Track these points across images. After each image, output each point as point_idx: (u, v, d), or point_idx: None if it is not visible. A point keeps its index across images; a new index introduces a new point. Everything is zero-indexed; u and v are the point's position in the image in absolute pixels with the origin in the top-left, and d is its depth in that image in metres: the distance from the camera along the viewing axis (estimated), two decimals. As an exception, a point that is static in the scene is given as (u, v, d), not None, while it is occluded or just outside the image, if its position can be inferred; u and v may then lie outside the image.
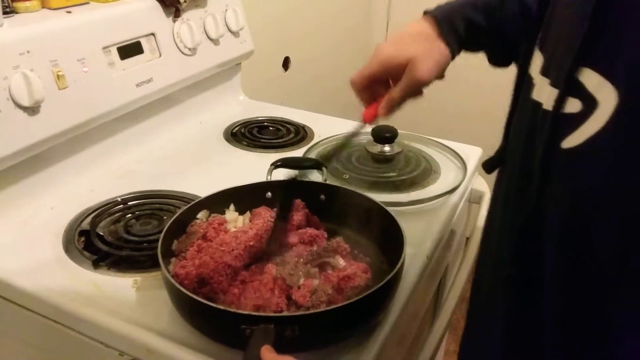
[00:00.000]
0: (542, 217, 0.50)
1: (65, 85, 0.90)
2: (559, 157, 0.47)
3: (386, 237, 0.79)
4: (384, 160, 1.07)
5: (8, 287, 0.77)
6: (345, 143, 0.78)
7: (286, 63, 1.81)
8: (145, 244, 0.84)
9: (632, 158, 0.42)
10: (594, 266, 0.46)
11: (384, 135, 1.06)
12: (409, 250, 0.74)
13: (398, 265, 0.69)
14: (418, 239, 0.88)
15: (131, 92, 1.03)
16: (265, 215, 0.83)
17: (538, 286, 0.51)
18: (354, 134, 0.78)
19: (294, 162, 1.00)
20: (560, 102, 0.47)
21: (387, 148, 1.08)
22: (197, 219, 0.82)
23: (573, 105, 0.46)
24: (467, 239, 1.04)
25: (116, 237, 0.86)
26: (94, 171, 1.02)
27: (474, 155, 1.12)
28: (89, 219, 0.89)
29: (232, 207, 0.86)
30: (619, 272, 0.44)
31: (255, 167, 0.97)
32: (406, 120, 1.08)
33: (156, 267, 0.77)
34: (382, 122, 1.08)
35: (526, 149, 0.53)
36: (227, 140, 1.21)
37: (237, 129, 1.25)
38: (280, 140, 1.21)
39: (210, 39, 1.21)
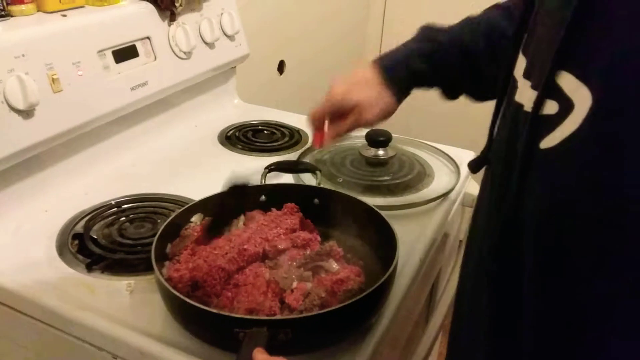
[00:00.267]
0: (522, 215, 0.51)
1: (60, 89, 0.91)
2: (537, 158, 0.48)
3: (379, 240, 0.80)
4: (377, 164, 1.08)
5: (1, 290, 0.77)
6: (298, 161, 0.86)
7: (281, 67, 1.82)
8: (139, 247, 0.84)
9: (603, 158, 0.43)
10: (570, 263, 0.47)
11: (378, 139, 1.07)
12: (402, 254, 0.75)
13: (391, 269, 0.70)
14: (411, 242, 0.89)
15: (126, 96, 1.04)
16: (260, 219, 0.83)
17: (518, 283, 0.52)
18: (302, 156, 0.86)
19: (288, 166, 1.01)
20: (538, 104, 0.48)
21: (381, 152, 1.08)
22: (191, 222, 0.83)
23: (551, 107, 0.47)
24: (461, 242, 1.05)
25: (110, 240, 0.86)
26: (88, 174, 1.02)
27: (467, 159, 1.12)
28: (82, 222, 0.89)
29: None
30: (593, 269, 0.46)
31: (249, 170, 0.97)
32: (400, 124, 1.09)
33: (150, 271, 0.76)
34: (376, 126, 1.09)
35: (508, 149, 0.55)
36: (222, 143, 1.21)
37: (232, 132, 1.26)
38: (274, 144, 1.21)
39: (206, 43, 1.22)
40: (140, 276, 0.79)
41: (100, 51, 0.99)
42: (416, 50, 0.76)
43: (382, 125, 1.12)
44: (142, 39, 1.08)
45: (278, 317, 0.67)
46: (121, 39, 1.03)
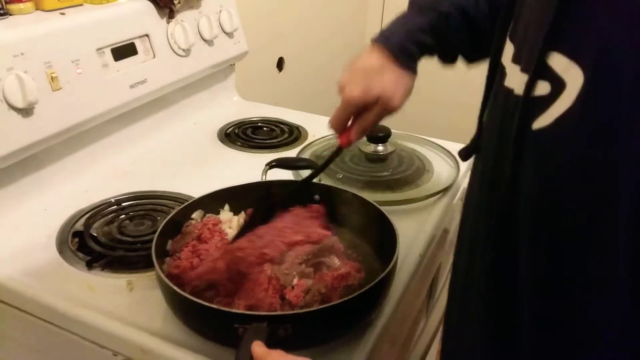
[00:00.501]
0: (516, 198, 0.51)
1: (59, 87, 0.91)
2: (530, 138, 0.49)
3: (379, 236, 0.80)
4: (377, 159, 1.08)
5: (1, 288, 0.78)
6: (325, 165, 0.83)
7: (280, 63, 1.82)
8: (139, 245, 0.85)
9: (597, 135, 0.43)
10: (566, 244, 0.48)
11: (378, 134, 1.07)
12: (401, 249, 0.75)
13: (390, 265, 0.70)
14: (411, 237, 0.89)
15: (125, 94, 1.04)
16: (284, 220, 0.82)
17: (514, 266, 0.53)
18: (332, 159, 0.81)
19: (289, 163, 1.01)
20: (530, 85, 0.49)
21: (380, 147, 1.08)
22: (192, 219, 0.83)
23: (542, 88, 0.48)
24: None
25: (110, 237, 0.86)
26: (88, 172, 1.02)
27: (467, 154, 1.13)
28: (82, 220, 0.90)
29: (226, 207, 0.87)
30: (588, 245, 0.46)
31: (249, 167, 0.97)
32: (399, 119, 1.09)
33: (150, 268, 0.77)
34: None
35: (500, 133, 0.55)
36: (221, 140, 1.21)
37: (231, 129, 1.26)
38: (274, 141, 1.21)
39: (205, 40, 1.22)
40: (141, 273, 0.79)
41: (99, 49, 0.99)
42: (420, 24, 0.73)
43: (382, 121, 1.13)
44: (140, 37, 1.08)
45: (278, 312, 0.68)
46: (120, 37, 1.03)
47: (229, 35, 1.29)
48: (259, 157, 1.12)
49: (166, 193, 0.98)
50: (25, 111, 0.86)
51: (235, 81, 1.41)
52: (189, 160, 1.12)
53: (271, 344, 0.58)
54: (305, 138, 1.22)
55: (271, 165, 0.94)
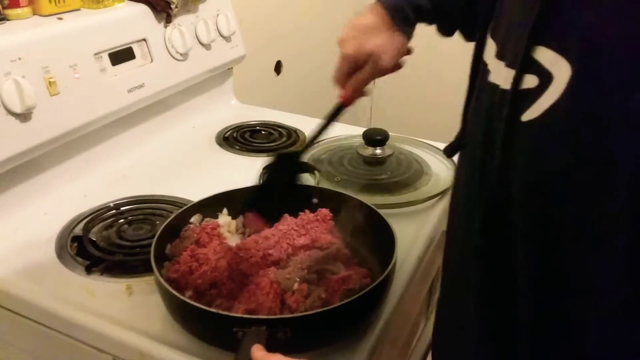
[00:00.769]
0: (507, 190, 0.52)
1: (57, 92, 0.91)
2: (519, 131, 0.50)
3: (378, 239, 0.80)
4: (375, 162, 1.08)
5: (0, 293, 0.77)
6: (325, 125, 0.82)
7: (278, 67, 1.82)
8: (138, 249, 0.85)
9: (586, 125, 0.44)
10: (558, 231, 0.48)
11: (375, 138, 1.07)
12: (400, 252, 0.75)
13: (389, 267, 0.70)
14: (410, 240, 0.89)
15: (123, 98, 1.04)
16: (291, 223, 0.82)
17: (507, 257, 0.53)
18: (333, 116, 0.81)
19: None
20: (517, 79, 0.50)
21: (378, 151, 1.08)
22: (191, 223, 0.83)
23: (530, 81, 0.49)
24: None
25: (109, 242, 0.86)
26: (87, 177, 1.02)
27: (464, 157, 1.13)
28: (81, 225, 0.90)
29: (225, 211, 0.87)
30: (582, 235, 0.47)
31: (247, 171, 0.97)
32: (397, 122, 1.09)
33: (149, 272, 0.77)
34: (373, 125, 1.09)
35: (487, 128, 0.56)
36: (220, 144, 1.21)
37: (229, 133, 1.26)
38: (272, 144, 1.21)
39: (202, 44, 1.22)
40: (140, 278, 0.79)
41: (96, 54, 0.99)
42: None
43: (379, 124, 1.13)
44: (138, 41, 1.08)
45: (277, 316, 0.67)
46: (117, 42, 1.03)
47: (227, 39, 1.29)
48: (258, 161, 1.12)
49: (165, 197, 0.98)
50: (23, 116, 0.86)
51: (233, 85, 1.41)
52: (188, 164, 1.12)
53: (270, 347, 0.58)
54: (303, 141, 1.23)
55: (269, 168, 0.93)
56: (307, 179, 0.96)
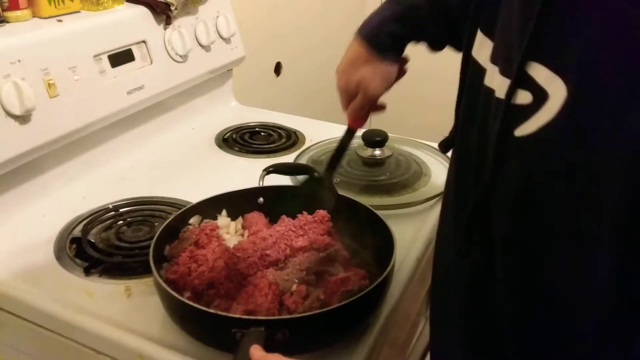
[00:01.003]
0: (495, 196, 0.53)
1: (56, 94, 0.91)
2: (512, 145, 0.50)
3: (376, 240, 0.80)
4: (374, 164, 1.08)
5: None
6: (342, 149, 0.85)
7: (278, 68, 1.82)
8: (136, 251, 0.85)
9: (578, 146, 0.45)
10: (542, 237, 0.49)
11: (375, 139, 1.07)
12: (399, 253, 0.75)
13: (388, 269, 0.70)
14: (409, 241, 0.89)
15: (122, 100, 1.04)
16: (288, 224, 0.83)
17: (490, 262, 0.55)
18: (344, 142, 0.84)
19: (286, 168, 1.01)
20: (511, 94, 0.49)
21: (377, 152, 1.08)
22: (190, 224, 0.83)
23: (524, 97, 0.49)
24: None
25: (108, 244, 0.86)
26: (86, 178, 1.02)
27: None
28: (80, 226, 0.90)
29: (224, 212, 0.87)
30: (565, 246, 0.48)
31: (247, 172, 0.98)
32: (396, 123, 1.09)
33: (148, 273, 0.77)
34: (372, 126, 1.09)
35: (481, 133, 0.56)
36: (219, 146, 1.21)
37: (229, 134, 1.26)
38: (272, 146, 1.21)
39: (202, 46, 1.22)
40: (138, 279, 0.79)
41: (96, 56, 0.99)
42: (390, 14, 0.77)
43: (379, 125, 1.13)
44: (138, 43, 1.08)
45: (276, 317, 0.68)
46: (117, 43, 1.04)
47: (226, 40, 1.29)
48: (257, 162, 1.13)
49: (164, 199, 0.98)
50: (23, 118, 0.86)
51: (233, 86, 1.41)
52: (187, 165, 1.12)
53: (269, 348, 0.58)
54: (303, 143, 1.23)
55: (268, 170, 0.94)
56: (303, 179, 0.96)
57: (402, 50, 0.79)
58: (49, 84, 0.89)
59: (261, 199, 0.89)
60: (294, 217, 0.84)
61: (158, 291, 0.70)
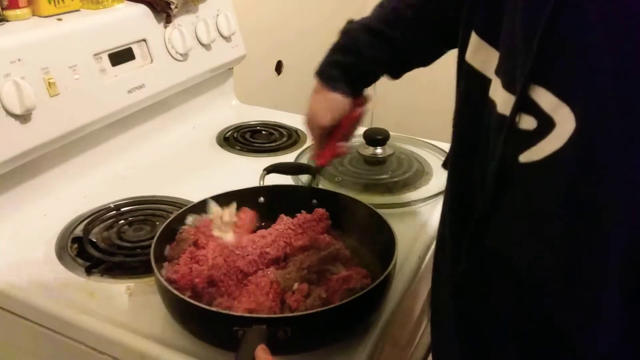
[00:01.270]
0: (496, 218, 0.52)
1: (56, 93, 0.91)
2: (517, 171, 0.48)
3: (378, 239, 0.79)
4: (376, 162, 1.08)
5: (1, 294, 0.77)
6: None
7: (279, 67, 1.82)
8: (138, 250, 0.84)
9: (586, 175, 0.43)
10: (545, 266, 0.49)
11: (376, 137, 1.07)
12: (401, 252, 0.75)
13: (389, 267, 0.70)
14: (411, 239, 0.89)
15: (123, 99, 1.04)
16: (287, 222, 0.82)
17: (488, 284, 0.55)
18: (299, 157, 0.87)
19: (286, 168, 1.01)
20: (514, 117, 0.47)
21: (379, 150, 1.08)
22: (185, 225, 0.82)
23: (528, 123, 0.47)
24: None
25: (109, 243, 0.86)
26: (87, 178, 1.02)
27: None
28: (81, 226, 0.90)
29: (212, 203, 0.84)
30: (575, 275, 0.47)
31: (248, 171, 0.97)
32: (398, 122, 1.09)
33: (149, 273, 0.77)
34: (374, 124, 1.09)
35: (484, 150, 0.54)
36: (220, 145, 1.21)
37: (229, 133, 1.25)
38: (273, 144, 1.21)
39: (202, 44, 1.22)
40: (140, 279, 0.79)
41: (96, 54, 0.99)
42: (334, 46, 0.79)
43: (380, 124, 1.13)
44: (138, 42, 1.08)
45: (277, 315, 0.67)
46: (117, 42, 1.03)
47: (227, 39, 1.29)
48: (258, 161, 1.12)
49: (165, 198, 0.98)
50: (23, 117, 0.86)
51: (234, 85, 1.41)
52: (188, 164, 1.12)
53: (271, 347, 0.58)
54: (304, 141, 1.22)
55: (269, 170, 0.93)
56: (307, 180, 0.95)
57: (355, 84, 0.79)
58: (49, 83, 0.89)
59: (262, 199, 0.88)
60: (292, 215, 0.84)
61: (159, 290, 0.70)
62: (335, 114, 0.77)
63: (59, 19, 0.97)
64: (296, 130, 1.27)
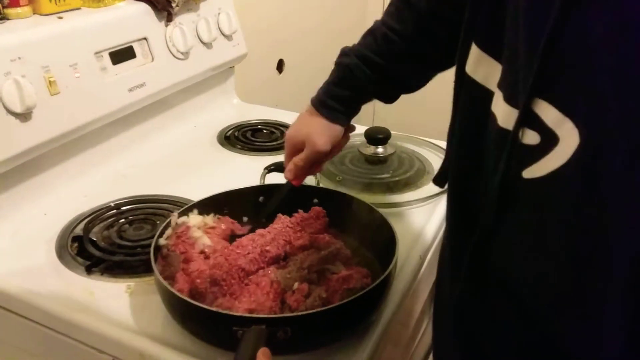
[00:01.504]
0: (499, 234, 0.51)
1: (57, 91, 0.90)
2: (520, 186, 0.48)
3: (379, 238, 0.79)
4: (377, 161, 1.08)
5: (1, 293, 0.77)
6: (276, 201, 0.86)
7: (280, 65, 1.81)
8: (138, 249, 0.84)
9: (588, 194, 0.43)
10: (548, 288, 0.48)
11: (377, 136, 1.07)
12: (402, 251, 0.74)
13: (390, 267, 0.70)
14: (412, 239, 0.88)
15: (124, 97, 1.03)
16: (285, 221, 0.82)
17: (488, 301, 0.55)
18: (282, 193, 0.85)
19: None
20: (517, 131, 0.47)
21: (380, 149, 1.08)
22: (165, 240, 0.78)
23: (532, 137, 0.46)
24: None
25: (109, 242, 0.86)
26: (87, 177, 1.02)
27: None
28: (82, 225, 0.89)
29: (195, 211, 0.82)
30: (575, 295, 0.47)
31: (249, 170, 0.97)
32: (399, 121, 1.08)
33: (149, 272, 0.76)
34: (375, 123, 1.08)
35: (485, 165, 0.53)
36: (221, 143, 1.21)
37: (231, 132, 1.25)
38: (274, 143, 1.21)
39: (203, 43, 1.22)
40: (140, 278, 0.79)
41: (97, 53, 0.99)
42: (331, 79, 0.79)
43: (381, 123, 1.13)
44: (139, 40, 1.07)
45: (277, 315, 0.67)
46: (118, 40, 1.03)
47: (228, 37, 1.29)
48: (259, 160, 1.12)
49: (166, 197, 0.98)
50: (24, 116, 0.86)
51: (235, 83, 1.40)
52: (189, 163, 1.12)
53: (271, 347, 0.58)
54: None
55: (270, 169, 0.93)
56: (308, 179, 0.95)
57: (352, 114, 0.81)
58: (49, 82, 0.89)
59: (262, 198, 0.88)
60: (290, 214, 0.83)
61: (159, 290, 0.70)
62: (334, 142, 0.79)
63: (60, 17, 0.97)
64: (297, 129, 1.27)
